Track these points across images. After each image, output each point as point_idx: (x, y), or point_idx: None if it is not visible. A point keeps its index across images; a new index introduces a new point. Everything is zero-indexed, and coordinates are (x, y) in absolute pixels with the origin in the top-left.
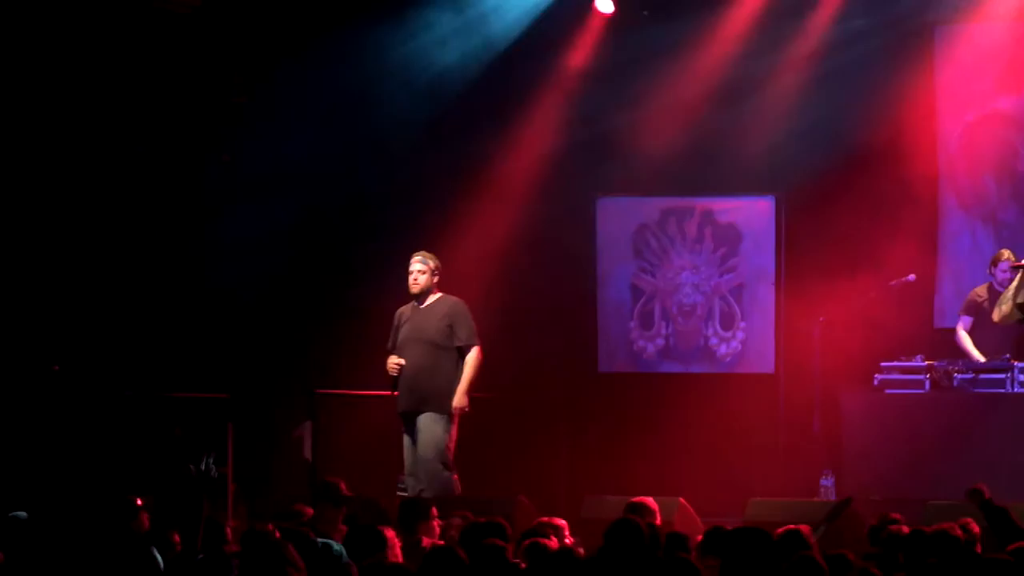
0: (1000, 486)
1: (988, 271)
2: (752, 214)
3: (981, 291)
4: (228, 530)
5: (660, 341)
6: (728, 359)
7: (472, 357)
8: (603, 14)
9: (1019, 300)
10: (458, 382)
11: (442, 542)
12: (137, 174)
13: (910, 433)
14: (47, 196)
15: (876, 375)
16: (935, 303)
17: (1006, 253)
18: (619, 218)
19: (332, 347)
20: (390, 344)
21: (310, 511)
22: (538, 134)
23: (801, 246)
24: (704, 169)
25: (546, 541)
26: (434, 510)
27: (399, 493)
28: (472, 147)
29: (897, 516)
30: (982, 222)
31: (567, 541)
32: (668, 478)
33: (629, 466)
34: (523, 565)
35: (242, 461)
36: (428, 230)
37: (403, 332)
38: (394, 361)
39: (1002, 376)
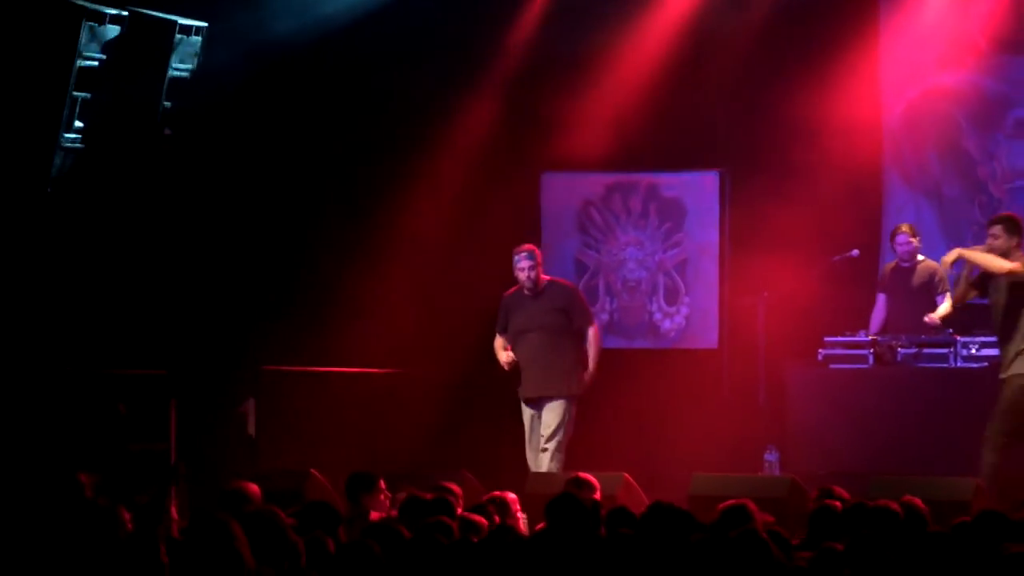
0: (944, 461)
1: (890, 246)
2: (696, 189)
3: (888, 267)
4: (172, 507)
5: (604, 316)
6: (672, 334)
7: (592, 337)
8: None
9: (971, 279)
10: (579, 365)
11: (394, 513)
12: (76, 147)
13: (854, 408)
14: None
15: (820, 350)
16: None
17: (904, 227)
18: (563, 194)
19: (277, 323)
20: (500, 327)
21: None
22: (481, 109)
23: (745, 221)
24: (649, 144)
25: (481, 519)
26: (382, 483)
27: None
28: (414, 124)
29: (839, 493)
30: (926, 197)
31: (518, 516)
32: (612, 453)
33: (573, 441)
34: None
35: (185, 438)
36: (371, 207)
37: (518, 322)
38: (506, 359)
39: (945, 351)
